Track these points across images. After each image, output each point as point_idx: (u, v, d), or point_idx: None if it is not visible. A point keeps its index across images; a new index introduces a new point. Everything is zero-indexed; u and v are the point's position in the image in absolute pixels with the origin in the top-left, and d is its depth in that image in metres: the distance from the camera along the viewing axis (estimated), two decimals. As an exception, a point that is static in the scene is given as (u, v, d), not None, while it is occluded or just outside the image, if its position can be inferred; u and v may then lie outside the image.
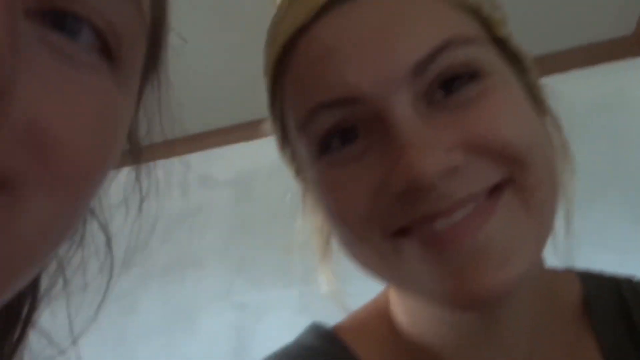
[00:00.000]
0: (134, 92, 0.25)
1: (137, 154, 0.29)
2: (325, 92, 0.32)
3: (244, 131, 1.64)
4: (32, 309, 0.28)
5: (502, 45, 0.35)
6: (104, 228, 0.29)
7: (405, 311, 0.40)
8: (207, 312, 1.57)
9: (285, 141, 0.39)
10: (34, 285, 0.28)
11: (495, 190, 0.32)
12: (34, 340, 0.27)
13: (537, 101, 0.37)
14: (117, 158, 0.24)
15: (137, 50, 0.23)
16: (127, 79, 0.23)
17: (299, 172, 0.40)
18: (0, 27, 0.16)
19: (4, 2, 0.16)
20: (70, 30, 0.20)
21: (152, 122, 0.30)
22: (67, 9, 0.20)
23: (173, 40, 0.29)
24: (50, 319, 0.28)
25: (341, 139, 0.33)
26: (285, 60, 0.35)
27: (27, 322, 0.28)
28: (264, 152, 1.60)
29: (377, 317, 0.42)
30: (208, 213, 1.67)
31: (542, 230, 0.33)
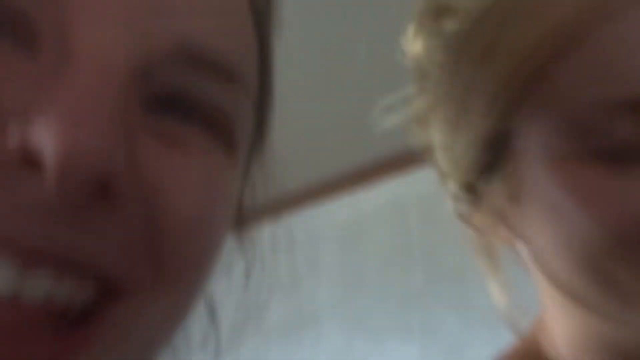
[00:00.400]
0: (242, 163, 0.25)
1: (242, 221, 0.30)
2: None
3: (344, 183, 1.64)
4: None
5: None
6: (207, 301, 0.29)
7: (580, 349, 0.36)
8: (328, 371, 1.54)
9: (495, 142, 0.34)
10: None
11: None
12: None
13: None
14: (227, 236, 0.24)
15: (246, 124, 0.24)
16: (237, 152, 0.23)
17: (510, 173, 0.34)
18: (108, 137, 0.16)
19: (109, 111, 0.17)
20: (181, 111, 0.21)
21: (254, 187, 0.30)
22: (181, 97, 0.21)
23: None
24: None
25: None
26: (564, 44, 0.30)
27: None
28: (367, 202, 1.60)
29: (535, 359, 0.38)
30: (318, 270, 1.67)
31: None
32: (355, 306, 1.56)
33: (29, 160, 0.16)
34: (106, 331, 0.18)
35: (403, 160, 1.56)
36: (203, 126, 0.21)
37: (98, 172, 0.16)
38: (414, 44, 0.38)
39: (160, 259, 0.19)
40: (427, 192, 1.53)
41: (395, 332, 1.46)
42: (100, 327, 0.18)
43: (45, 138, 0.16)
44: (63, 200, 0.16)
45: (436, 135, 0.38)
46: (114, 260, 0.18)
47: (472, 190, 0.36)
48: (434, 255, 1.45)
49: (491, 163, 0.34)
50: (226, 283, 0.30)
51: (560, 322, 0.37)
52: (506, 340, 0.41)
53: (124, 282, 0.18)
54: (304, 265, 1.68)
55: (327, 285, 1.64)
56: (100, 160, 0.16)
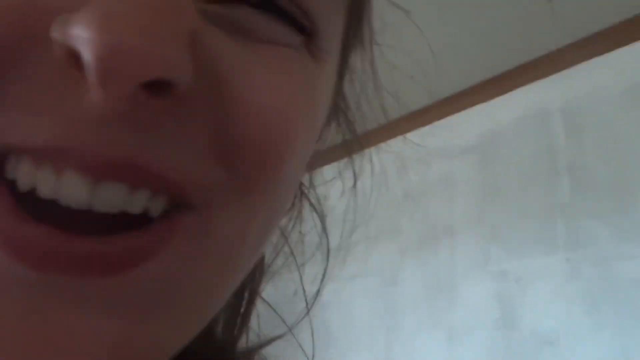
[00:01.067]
0: (334, 65, 0.22)
1: (356, 138, 0.28)
2: None
3: (480, 93, 1.56)
4: (257, 282, 0.28)
5: None
6: (317, 206, 0.29)
7: None
8: (466, 282, 1.55)
9: None
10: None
11: None
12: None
13: None
14: (316, 139, 0.21)
15: (333, 21, 0.21)
16: (324, 51, 0.20)
17: None
18: (172, 45, 0.14)
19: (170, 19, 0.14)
20: (255, 4, 0.18)
21: (380, 99, 0.30)
22: None
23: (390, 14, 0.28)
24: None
25: None
26: None
27: (252, 295, 0.27)
28: (506, 111, 1.50)
29: None
30: (454, 182, 1.64)
31: None
32: (492, 218, 1.53)
33: (73, 62, 0.14)
34: (179, 242, 0.16)
35: (545, 63, 1.43)
36: (280, 17, 0.18)
37: (147, 71, 0.14)
38: None
39: (233, 164, 0.17)
40: (574, 98, 1.39)
41: (537, 244, 1.41)
42: (173, 237, 0.16)
43: (83, 35, 0.13)
44: (111, 106, 0.14)
45: None
46: (183, 165, 0.16)
47: None
48: (582, 166, 1.34)
49: None
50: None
51: None
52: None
53: (196, 191, 0.16)
54: (437, 178, 1.67)
55: (462, 198, 1.61)
56: (148, 57, 0.13)
